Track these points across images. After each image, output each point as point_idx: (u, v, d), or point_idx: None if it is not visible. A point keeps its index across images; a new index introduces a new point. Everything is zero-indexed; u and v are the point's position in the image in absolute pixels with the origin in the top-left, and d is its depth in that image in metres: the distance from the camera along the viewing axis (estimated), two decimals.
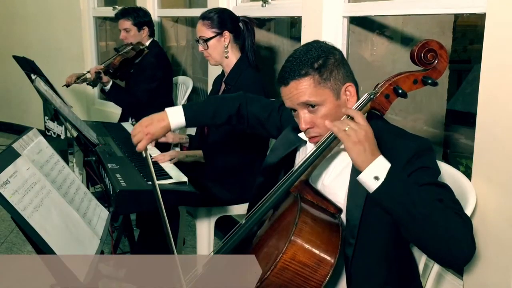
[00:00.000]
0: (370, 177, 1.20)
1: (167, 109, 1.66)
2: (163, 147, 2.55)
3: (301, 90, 1.35)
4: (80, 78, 3.28)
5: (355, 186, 1.34)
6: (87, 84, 3.13)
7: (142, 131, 1.60)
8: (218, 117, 1.71)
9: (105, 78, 3.10)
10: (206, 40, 2.29)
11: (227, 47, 2.31)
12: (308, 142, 1.47)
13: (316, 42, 1.43)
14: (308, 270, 1.22)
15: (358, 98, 1.40)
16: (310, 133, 1.39)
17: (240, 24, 2.35)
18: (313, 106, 1.35)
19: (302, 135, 1.49)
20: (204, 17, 2.33)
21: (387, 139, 1.34)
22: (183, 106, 1.68)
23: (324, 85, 1.35)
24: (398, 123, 2.64)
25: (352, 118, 1.25)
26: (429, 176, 1.29)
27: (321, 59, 1.36)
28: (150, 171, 1.52)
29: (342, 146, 1.38)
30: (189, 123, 1.67)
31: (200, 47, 2.33)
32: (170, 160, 2.19)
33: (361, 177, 1.21)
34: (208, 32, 2.29)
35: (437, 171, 1.33)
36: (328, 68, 1.35)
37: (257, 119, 1.73)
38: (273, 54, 3.42)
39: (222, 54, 2.33)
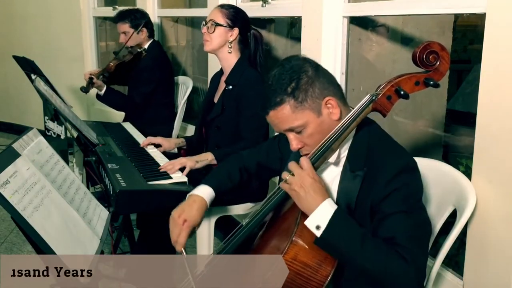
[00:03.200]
0: (313, 226, 1.23)
1: (193, 192, 1.61)
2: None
3: (281, 119, 1.35)
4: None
5: (341, 197, 1.36)
6: (80, 90, 3.10)
7: (178, 224, 1.50)
8: (234, 177, 1.71)
9: (97, 82, 3.07)
10: (216, 25, 2.29)
11: (231, 43, 2.31)
12: None
13: (287, 61, 1.40)
14: (310, 270, 1.23)
15: (345, 104, 1.41)
16: (303, 151, 1.40)
17: (249, 34, 2.36)
18: (297, 130, 1.36)
19: None
20: (222, 6, 2.38)
21: (376, 153, 1.35)
22: (204, 181, 1.65)
23: (302, 107, 1.34)
24: (398, 123, 2.66)
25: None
26: (400, 201, 1.28)
27: (293, 82, 1.33)
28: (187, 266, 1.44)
29: (330, 160, 1.39)
30: (217, 191, 1.63)
31: (204, 29, 2.33)
32: (181, 171, 2.08)
33: (306, 224, 1.24)
34: (220, 19, 2.30)
35: (413, 194, 1.32)
36: (302, 89, 1.33)
37: (259, 165, 1.74)
38: (273, 55, 3.42)
39: (221, 46, 2.32)
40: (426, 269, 1.28)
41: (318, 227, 1.22)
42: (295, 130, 1.36)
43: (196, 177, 1.99)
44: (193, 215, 1.52)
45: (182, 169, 2.08)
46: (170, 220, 1.52)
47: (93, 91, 3.17)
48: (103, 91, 3.12)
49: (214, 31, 2.30)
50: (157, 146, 2.48)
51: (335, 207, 1.24)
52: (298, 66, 1.37)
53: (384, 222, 1.27)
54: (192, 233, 1.53)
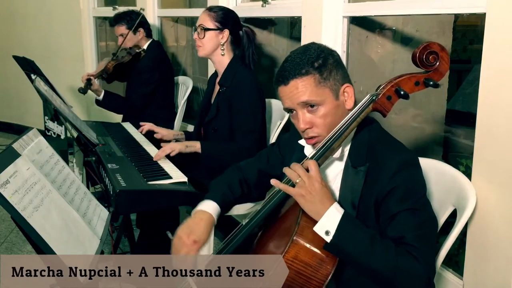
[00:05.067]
0: (322, 231, 1.22)
1: (199, 208, 1.53)
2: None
3: (301, 90, 1.34)
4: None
5: (345, 193, 1.35)
6: (78, 91, 3.10)
7: (186, 245, 1.43)
8: (235, 189, 1.65)
9: (95, 85, 3.07)
10: (206, 29, 2.29)
11: (223, 45, 2.31)
12: (305, 152, 1.47)
13: (313, 43, 1.43)
14: (310, 269, 1.23)
15: (355, 100, 1.41)
16: (309, 133, 1.38)
17: (241, 32, 2.35)
18: (312, 105, 1.35)
19: (302, 141, 1.49)
20: (210, 8, 2.36)
21: (377, 149, 1.36)
22: (207, 196, 1.58)
23: (324, 85, 1.35)
24: (398, 123, 2.66)
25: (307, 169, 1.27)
26: (404, 198, 1.28)
27: (320, 59, 1.35)
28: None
29: (335, 155, 1.39)
30: (221, 205, 1.57)
31: (195, 35, 2.33)
32: (170, 153, 2.18)
33: (315, 229, 1.23)
34: (209, 23, 2.30)
35: (417, 190, 1.32)
36: (327, 68, 1.35)
37: (260, 173, 1.68)
38: (273, 55, 3.42)
39: (214, 49, 2.32)
40: (435, 265, 1.28)
41: (327, 233, 1.22)
42: (311, 104, 1.35)
43: (184, 172, 2.02)
44: (202, 235, 1.46)
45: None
46: (176, 240, 1.45)
47: (93, 94, 3.16)
48: (101, 96, 3.12)
49: (204, 36, 2.29)
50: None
51: (342, 211, 1.24)
52: (325, 48, 1.40)
53: (391, 222, 1.28)
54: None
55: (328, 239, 1.22)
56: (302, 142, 1.50)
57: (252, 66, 2.35)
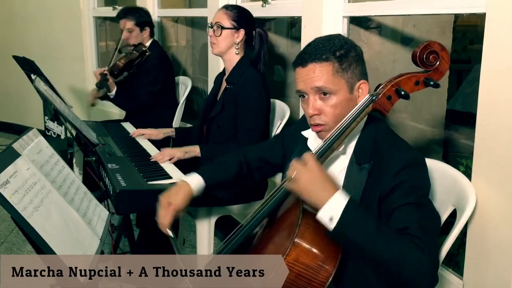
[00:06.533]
0: (326, 218, 1.19)
1: (184, 178, 1.65)
2: (162, 146, 2.56)
3: (318, 74, 1.34)
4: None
5: (348, 190, 1.35)
6: (96, 85, 3.13)
7: (163, 206, 1.55)
8: (230, 169, 1.71)
9: (110, 80, 3.09)
10: (223, 28, 2.30)
11: (238, 44, 2.32)
12: (308, 144, 1.47)
13: (339, 34, 1.43)
14: (311, 271, 1.22)
15: None
16: (316, 120, 1.37)
17: (254, 32, 2.36)
18: (325, 93, 1.35)
19: (305, 133, 1.49)
20: (227, 7, 2.37)
21: (383, 148, 1.35)
22: (197, 171, 1.68)
23: (342, 75, 1.35)
24: (398, 123, 2.66)
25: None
26: (409, 193, 1.27)
27: (343, 50, 1.35)
28: (175, 248, 1.49)
29: (340, 149, 1.39)
30: (208, 182, 1.65)
31: (211, 32, 2.33)
32: (170, 160, 2.19)
33: (318, 217, 1.21)
34: (226, 22, 2.30)
35: (422, 187, 1.32)
36: (348, 60, 1.35)
37: (261, 160, 1.73)
38: (272, 55, 3.41)
39: (228, 48, 2.33)
40: (439, 260, 1.26)
41: (331, 219, 1.18)
42: (324, 91, 1.34)
43: (184, 172, 2.01)
44: (178, 201, 1.56)
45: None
46: (158, 204, 1.57)
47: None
48: (113, 92, 3.12)
49: (220, 34, 2.30)
50: None
51: (347, 197, 1.21)
52: (350, 41, 1.41)
53: (394, 214, 1.26)
54: (177, 217, 1.57)
55: (332, 225, 1.18)
56: (305, 133, 1.50)
57: (262, 67, 2.35)
